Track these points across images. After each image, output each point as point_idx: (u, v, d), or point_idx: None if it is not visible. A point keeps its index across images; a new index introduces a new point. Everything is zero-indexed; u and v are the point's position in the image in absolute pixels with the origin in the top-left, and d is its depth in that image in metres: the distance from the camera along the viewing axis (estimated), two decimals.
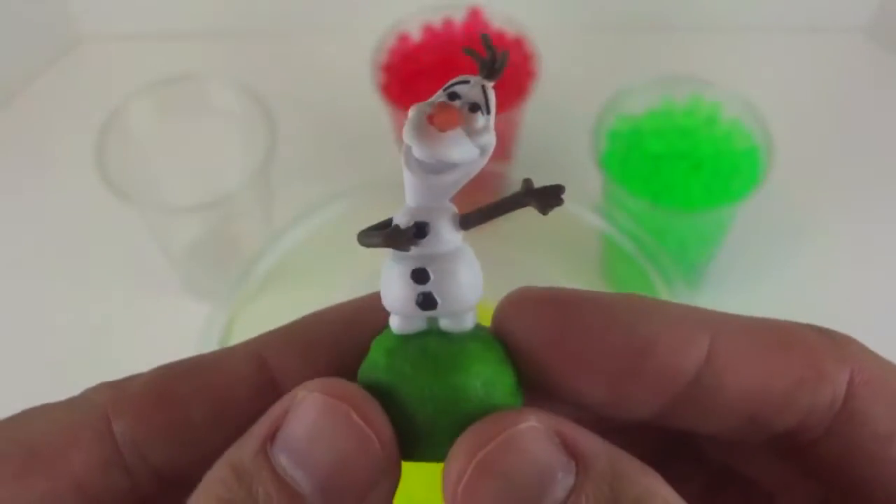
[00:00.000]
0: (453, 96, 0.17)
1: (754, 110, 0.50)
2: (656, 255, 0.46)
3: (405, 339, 0.18)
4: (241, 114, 0.53)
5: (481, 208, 0.17)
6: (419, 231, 0.17)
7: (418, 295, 0.17)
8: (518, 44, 0.55)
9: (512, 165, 0.57)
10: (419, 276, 0.17)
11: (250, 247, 0.48)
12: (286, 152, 0.52)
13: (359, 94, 0.56)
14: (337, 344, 0.19)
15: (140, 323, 0.56)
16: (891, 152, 0.62)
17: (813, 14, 0.67)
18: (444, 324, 0.18)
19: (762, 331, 0.18)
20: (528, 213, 0.17)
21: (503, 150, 0.57)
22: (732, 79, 0.53)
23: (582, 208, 0.48)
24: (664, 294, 0.45)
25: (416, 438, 0.17)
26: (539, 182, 0.17)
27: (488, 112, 0.17)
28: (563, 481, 0.15)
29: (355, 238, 0.17)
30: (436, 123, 0.16)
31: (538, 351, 0.18)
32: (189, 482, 0.16)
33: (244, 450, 0.16)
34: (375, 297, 0.18)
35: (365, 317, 0.19)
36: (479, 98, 0.17)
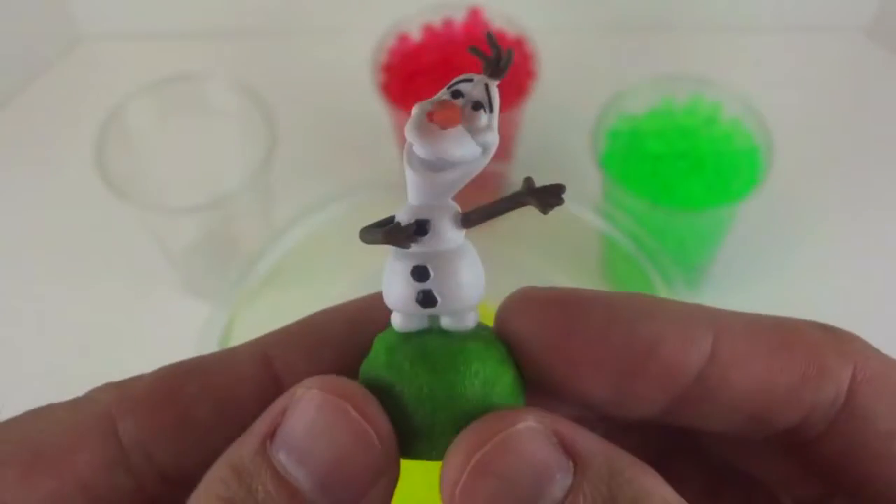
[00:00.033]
0: (457, 94, 0.17)
1: (754, 110, 0.50)
2: (656, 255, 0.46)
3: (406, 336, 0.18)
4: (241, 114, 0.53)
5: (482, 207, 0.17)
6: (419, 228, 0.17)
7: (418, 293, 0.17)
8: (518, 44, 0.55)
9: (512, 165, 0.57)
10: (419, 273, 0.17)
11: (250, 247, 0.48)
12: (286, 152, 0.52)
13: (359, 94, 0.56)
14: (341, 343, 0.19)
15: (140, 323, 0.56)
16: (891, 152, 0.62)
17: (813, 14, 0.67)
18: (446, 322, 0.18)
19: (765, 328, 0.18)
20: (529, 213, 0.17)
21: (503, 149, 0.57)
22: (732, 79, 0.53)
23: (582, 208, 0.48)
24: (664, 294, 0.45)
25: (415, 436, 0.17)
26: (539, 182, 0.17)
27: (491, 110, 0.17)
28: (561, 481, 0.15)
29: (355, 238, 0.18)
30: (436, 120, 0.16)
31: (541, 351, 0.18)
32: (194, 482, 0.16)
33: (244, 448, 0.16)
34: (379, 296, 0.18)
35: (369, 315, 0.19)
36: (482, 96, 0.17)
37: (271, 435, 0.16)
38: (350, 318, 0.19)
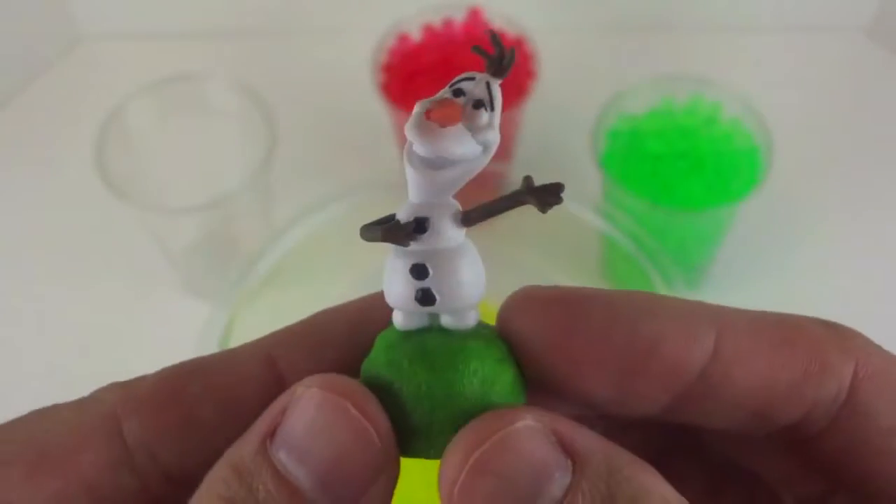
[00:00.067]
0: (458, 93, 0.17)
1: (754, 110, 0.50)
2: (656, 255, 0.46)
3: (406, 335, 0.18)
4: (241, 114, 0.53)
5: (482, 205, 0.17)
6: (419, 226, 0.17)
7: (417, 290, 0.17)
8: (518, 44, 0.55)
9: (512, 165, 0.58)
10: (418, 271, 0.17)
11: (250, 247, 0.48)
12: (286, 152, 0.52)
13: (359, 94, 0.56)
14: (344, 342, 0.19)
15: (140, 323, 0.56)
16: (891, 152, 0.62)
17: (813, 14, 0.67)
18: (446, 321, 0.18)
19: (767, 325, 0.18)
20: (529, 213, 0.17)
21: (503, 149, 0.57)
22: (732, 79, 0.53)
23: (582, 208, 0.48)
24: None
25: (413, 434, 0.17)
26: (539, 182, 0.17)
27: (492, 109, 0.16)
28: (560, 480, 0.15)
29: (355, 238, 0.18)
30: (433, 118, 0.16)
31: (543, 350, 0.18)
32: (198, 482, 0.17)
33: (244, 448, 0.16)
34: (382, 295, 0.18)
35: (371, 315, 0.19)
36: (483, 95, 0.17)
37: (272, 434, 0.16)
38: (352, 317, 0.19)
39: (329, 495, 0.16)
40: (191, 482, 0.17)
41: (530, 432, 0.16)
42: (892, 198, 0.60)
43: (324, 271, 0.50)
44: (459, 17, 0.56)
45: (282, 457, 0.16)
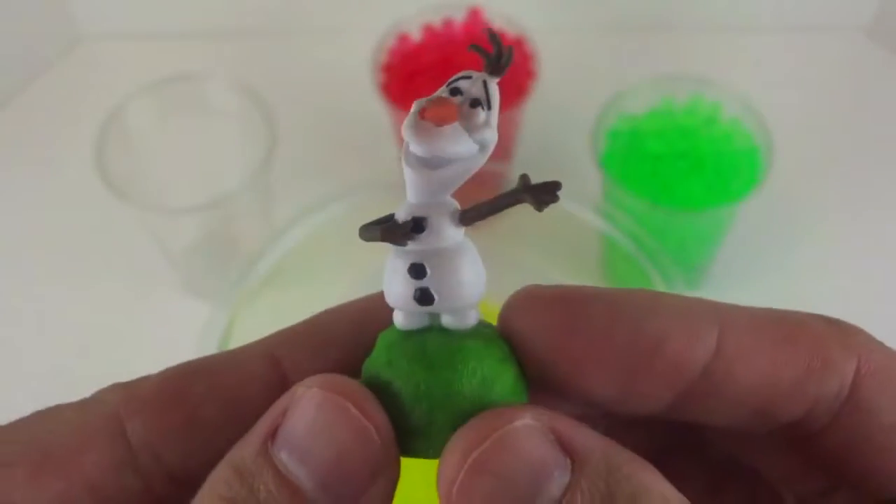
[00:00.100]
0: (455, 92, 0.17)
1: (754, 110, 0.50)
2: (656, 255, 0.46)
3: (406, 334, 0.18)
4: (241, 114, 0.53)
5: (479, 204, 0.17)
6: (416, 226, 0.17)
7: (415, 290, 0.17)
8: (518, 44, 0.55)
9: (512, 165, 0.57)
10: (416, 271, 0.17)
11: (250, 247, 0.48)
12: (286, 152, 0.52)
13: (359, 94, 0.56)
14: (347, 342, 0.19)
15: (140, 323, 0.56)
16: (891, 152, 0.62)
17: (813, 14, 0.67)
18: (446, 320, 0.18)
19: (770, 321, 0.18)
20: (529, 213, 0.17)
21: (503, 149, 0.57)
22: (732, 79, 0.53)
23: (582, 208, 0.48)
24: None
25: (413, 433, 0.17)
26: (537, 181, 0.17)
27: (489, 108, 0.16)
28: (559, 479, 0.15)
29: (355, 238, 0.18)
30: (427, 118, 0.16)
31: (545, 350, 0.17)
32: (202, 482, 0.17)
33: (245, 449, 0.16)
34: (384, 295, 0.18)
35: (375, 315, 0.19)
36: (480, 94, 0.16)
37: (273, 435, 0.16)
38: (356, 317, 0.19)
39: (330, 495, 0.16)
40: (195, 482, 0.17)
41: (529, 431, 0.16)
42: (892, 198, 0.60)
43: (324, 271, 0.50)
44: (459, 17, 0.56)
45: (283, 457, 0.16)
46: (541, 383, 0.18)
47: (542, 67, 0.54)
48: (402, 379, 0.17)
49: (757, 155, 0.50)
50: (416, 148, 0.16)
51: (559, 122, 0.60)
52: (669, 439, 0.22)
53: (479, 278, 0.18)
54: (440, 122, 0.16)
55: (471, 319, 0.18)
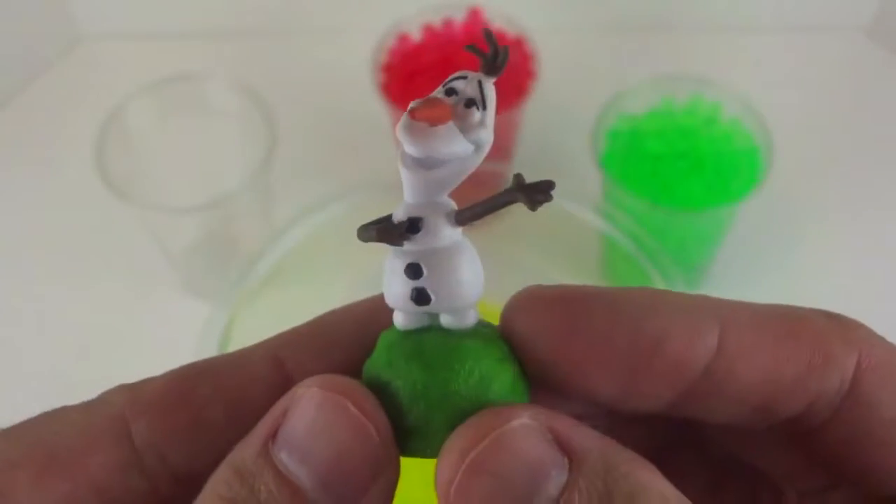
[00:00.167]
0: (451, 92, 0.17)
1: (754, 110, 0.50)
2: (656, 255, 0.46)
3: (406, 334, 0.18)
4: (241, 114, 0.53)
5: (474, 204, 0.17)
6: (412, 226, 0.17)
7: (412, 290, 0.17)
8: (518, 44, 0.55)
9: (511, 166, 0.57)
10: (413, 271, 0.17)
11: (250, 247, 0.48)
12: (286, 152, 0.52)
13: (359, 94, 0.56)
14: (352, 342, 0.19)
15: (140, 323, 0.56)
16: (891, 152, 0.62)
17: (813, 14, 0.67)
18: (445, 320, 0.18)
19: (771, 318, 0.18)
20: (528, 213, 0.17)
21: (503, 150, 0.57)
22: (732, 79, 0.53)
23: (582, 208, 0.48)
24: None
25: (411, 433, 0.17)
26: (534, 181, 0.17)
27: (484, 108, 0.16)
28: (557, 478, 0.15)
29: (355, 238, 0.18)
30: (417, 118, 0.16)
31: (545, 350, 0.17)
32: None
33: (246, 450, 0.16)
34: None
35: (380, 315, 0.19)
36: (475, 94, 0.16)
37: (273, 435, 0.16)
38: (360, 318, 0.19)
39: (331, 494, 0.16)
40: (199, 483, 0.17)
41: (526, 430, 0.16)
42: (892, 198, 0.60)
43: (324, 271, 0.50)
44: (459, 17, 0.56)
45: (283, 457, 0.16)
46: (542, 383, 0.18)
47: (542, 67, 0.54)
48: (401, 379, 0.17)
49: (757, 155, 0.50)
50: (409, 148, 0.16)
51: (559, 123, 0.60)
52: (670, 436, 0.22)
53: (477, 278, 0.18)
54: (433, 122, 0.16)
55: (469, 319, 0.18)
